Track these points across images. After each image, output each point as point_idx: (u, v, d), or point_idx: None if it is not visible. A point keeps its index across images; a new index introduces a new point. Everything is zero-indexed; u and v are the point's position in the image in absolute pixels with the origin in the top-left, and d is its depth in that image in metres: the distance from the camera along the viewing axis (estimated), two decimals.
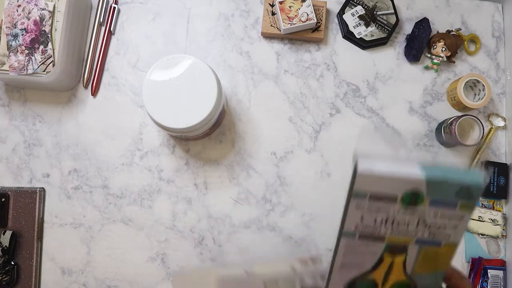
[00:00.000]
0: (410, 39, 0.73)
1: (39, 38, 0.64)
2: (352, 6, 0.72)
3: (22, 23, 0.64)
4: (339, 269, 0.38)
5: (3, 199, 0.67)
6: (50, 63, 0.64)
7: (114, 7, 0.72)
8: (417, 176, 0.34)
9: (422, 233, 0.36)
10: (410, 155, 0.36)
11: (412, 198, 0.35)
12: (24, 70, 0.64)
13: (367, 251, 0.37)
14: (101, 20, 0.72)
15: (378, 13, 0.72)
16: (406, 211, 0.35)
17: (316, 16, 0.69)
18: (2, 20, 0.64)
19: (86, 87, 0.71)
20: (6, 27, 0.64)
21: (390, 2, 0.72)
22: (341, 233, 0.37)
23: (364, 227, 0.36)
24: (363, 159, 0.34)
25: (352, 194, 0.34)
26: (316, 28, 0.71)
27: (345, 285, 0.39)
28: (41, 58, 0.64)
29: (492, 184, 0.70)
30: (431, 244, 0.37)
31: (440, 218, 0.36)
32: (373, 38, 0.71)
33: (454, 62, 0.73)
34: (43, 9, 0.64)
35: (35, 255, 0.66)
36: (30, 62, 0.64)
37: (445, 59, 0.72)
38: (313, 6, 0.69)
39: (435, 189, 0.34)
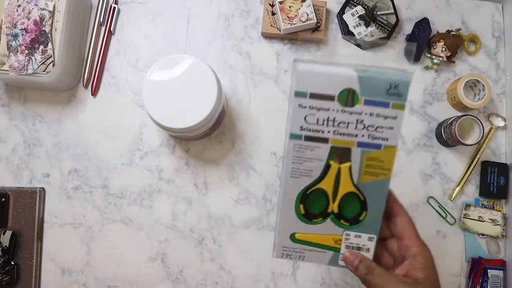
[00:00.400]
0: (410, 39, 0.73)
1: (39, 38, 0.64)
2: (352, 6, 0.72)
3: (22, 23, 0.64)
4: (290, 177, 0.42)
5: (3, 199, 0.67)
6: (50, 63, 0.64)
7: (114, 7, 0.72)
8: (350, 74, 0.39)
9: (362, 135, 0.41)
10: (344, 62, 0.40)
11: (348, 96, 0.40)
12: (24, 70, 0.64)
13: (314, 155, 0.41)
14: (101, 20, 0.72)
15: (378, 13, 0.72)
16: (344, 111, 0.40)
17: (316, 16, 0.69)
18: (2, 20, 0.64)
19: (86, 87, 0.71)
20: (6, 27, 0.64)
21: (390, 2, 0.72)
22: (288, 137, 0.41)
23: (308, 128, 0.41)
24: (301, 62, 0.39)
25: (294, 94, 0.40)
26: (316, 28, 0.71)
27: (298, 198, 0.43)
28: (41, 58, 0.64)
29: (492, 184, 0.70)
30: (371, 147, 0.41)
31: (376, 118, 0.40)
32: (373, 38, 0.71)
33: (454, 62, 0.73)
34: (43, 9, 0.64)
35: (35, 255, 0.66)
36: (30, 62, 0.64)
37: (445, 59, 0.72)
38: (313, 6, 0.69)
39: (367, 87, 0.39)
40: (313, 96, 0.40)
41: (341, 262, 0.44)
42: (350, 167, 0.41)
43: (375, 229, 0.43)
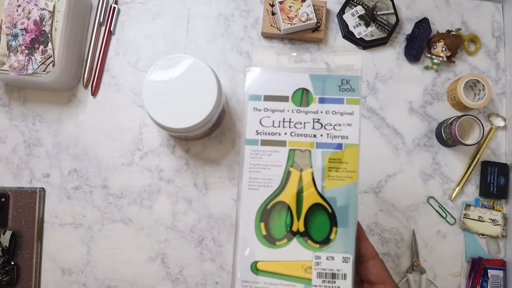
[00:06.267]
0: (410, 39, 0.73)
1: (39, 38, 0.64)
2: (352, 6, 0.72)
3: (22, 23, 0.64)
4: (248, 190, 0.39)
5: (3, 199, 0.67)
6: (50, 63, 0.64)
7: (114, 7, 0.72)
8: (302, 75, 0.40)
9: (320, 134, 0.39)
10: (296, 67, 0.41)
11: (302, 96, 0.40)
12: (24, 70, 0.64)
13: (272, 161, 0.39)
14: (101, 20, 0.72)
15: (378, 13, 0.72)
16: (300, 111, 0.40)
17: (316, 16, 0.69)
18: (2, 20, 0.64)
19: (86, 87, 0.71)
20: (6, 27, 0.64)
21: (390, 2, 0.72)
22: (244, 143, 0.40)
23: (264, 131, 0.40)
24: (253, 67, 0.40)
25: (248, 98, 0.40)
26: (316, 28, 0.71)
27: (258, 215, 0.39)
28: (41, 58, 0.64)
29: (492, 184, 0.70)
30: (332, 147, 0.39)
31: (332, 115, 0.39)
32: (373, 38, 0.71)
33: (454, 62, 0.73)
34: (43, 9, 0.64)
35: (35, 255, 0.66)
36: (30, 62, 0.64)
37: (445, 59, 0.72)
38: (313, 6, 0.69)
39: (320, 85, 0.40)
40: (267, 98, 0.40)
41: None
42: (312, 173, 0.39)
43: (349, 247, 0.38)
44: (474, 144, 0.66)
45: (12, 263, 0.65)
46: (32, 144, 0.70)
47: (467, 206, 0.69)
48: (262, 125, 0.40)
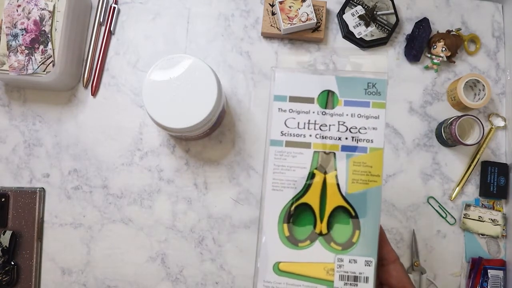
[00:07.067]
0: (410, 39, 0.73)
1: (39, 38, 0.64)
2: (352, 6, 0.72)
3: (22, 23, 0.64)
4: (272, 191, 0.39)
5: (3, 199, 0.67)
6: (50, 63, 0.64)
7: (114, 7, 0.72)
8: (328, 77, 0.40)
9: (345, 137, 0.39)
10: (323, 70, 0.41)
11: (327, 99, 0.40)
12: (24, 70, 0.64)
13: (296, 163, 0.39)
14: (101, 20, 0.72)
15: (378, 13, 0.72)
16: (325, 113, 0.40)
17: (316, 16, 0.69)
18: (2, 20, 0.64)
19: (86, 87, 0.71)
20: (6, 27, 0.64)
21: (390, 2, 0.72)
22: (268, 144, 0.40)
23: (289, 133, 0.40)
24: (280, 68, 0.41)
25: (273, 98, 0.40)
26: (316, 28, 0.71)
27: (282, 216, 0.39)
28: (41, 58, 0.64)
29: (492, 184, 0.70)
30: (357, 150, 0.39)
31: (358, 118, 0.39)
32: (373, 38, 0.71)
33: (454, 62, 0.73)
34: (43, 9, 0.64)
35: (35, 255, 0.66)
36: (30, 62, 0.64)
37: (445, 59, 0.72)
38: (313, 6, 0.69)
39: (346, 88, 0.39)
40: (293, 99, 0.40)
41: None
42: (336, 176, 0.39)
43: (372, 250, 0.38)
44: (474, 144, 0.66)
45: (12, 263, 0.65)
46: (32, 144, 0.70)
47: (467, 206, 0.69)
48: (287, 126, 0.40)
